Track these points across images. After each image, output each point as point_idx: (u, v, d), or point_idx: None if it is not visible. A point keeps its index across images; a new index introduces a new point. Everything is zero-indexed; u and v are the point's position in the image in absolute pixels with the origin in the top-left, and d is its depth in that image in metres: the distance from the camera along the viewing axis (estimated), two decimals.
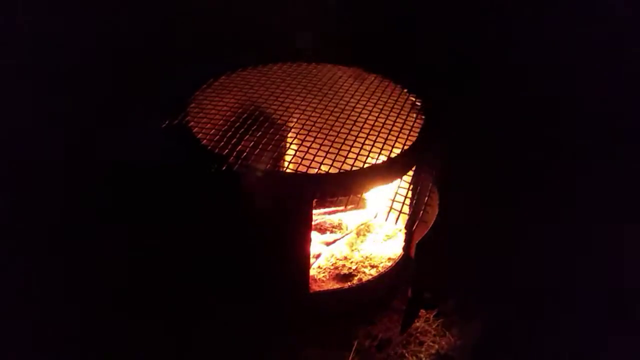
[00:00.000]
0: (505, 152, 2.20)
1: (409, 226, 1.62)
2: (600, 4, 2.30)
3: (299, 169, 1.38)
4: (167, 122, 1.53)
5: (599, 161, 2.18)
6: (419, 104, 1.68)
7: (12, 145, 2.00)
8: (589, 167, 2.15)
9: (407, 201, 1.43)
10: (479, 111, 2.23)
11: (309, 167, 1.38)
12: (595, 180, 2.09)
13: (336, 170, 1.39)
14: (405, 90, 1.75)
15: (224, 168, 1.36)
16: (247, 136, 1.48)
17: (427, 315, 1.65)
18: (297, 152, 1.43)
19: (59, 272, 1.68)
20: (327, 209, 1.91)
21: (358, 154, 1.44)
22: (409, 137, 1.53)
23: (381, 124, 1.56)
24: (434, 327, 1.62)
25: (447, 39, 2.36)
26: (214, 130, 1.49)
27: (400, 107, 1.65)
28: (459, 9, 2.37)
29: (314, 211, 1.51)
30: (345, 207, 1.91)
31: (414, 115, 1.63)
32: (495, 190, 2.05)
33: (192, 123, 1.52)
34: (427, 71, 2.14)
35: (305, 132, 1.49)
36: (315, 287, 1.61)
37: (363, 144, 1.48)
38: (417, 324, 1.62)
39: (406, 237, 1.67)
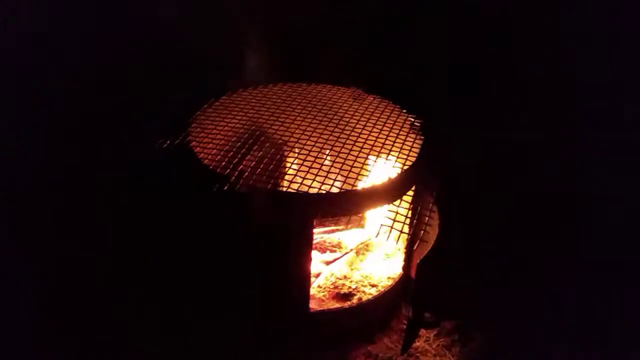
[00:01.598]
0: (506, 170, 2.21)
1: (409, 246, 1.63)
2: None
3: (299, 189, 1.39)
4: (168, 142, 1.54)
5: (601, 170, 2.19)
6: (418, 123, 1.70)
7: (12, 162, 2.02)
8: (591, 177, 2.17)
9: (408, 221, 1.44)
10: (479, 130, 2.25)
11: (309, 186, 1.39)
12: (598, 191, 2.10)
13: (337, 190, 1.40)
14: (405, 111, 1.77)
15: (225, 188, 1.37)
16: (249, 156, 1.50)
17: (428, 335, 1.65)
18: (298, 172, 1.45)
19: (58, 284, 1.69)
20: (327, 228, 1.92)
21: (358, 174, 1.45)
22: (409, 157, 1.54)
23: (381, 144, 1.58)
24: (434, 347, 1.62)
25: (447, 56, 2.38)
26: (215, 150, 1.50)
27: (399, 127, 1.67)
28: (457, 25, 2.39)
29: (314, 230, 1.51)
30: (346, 226, 1.91)
31: (414, 135, 1.65)
32: (496, 209, 2.06)
33: (193, 143, 1.53)
34: (426, 90, 2.16)
35: (306, 152, 1.50)
36: (315, 306, 1.61)
37: (363, 164, 1.49)
38: (418, 344, 1.62)
39: (406, 256, 1.68)
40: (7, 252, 1.73)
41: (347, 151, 1.52)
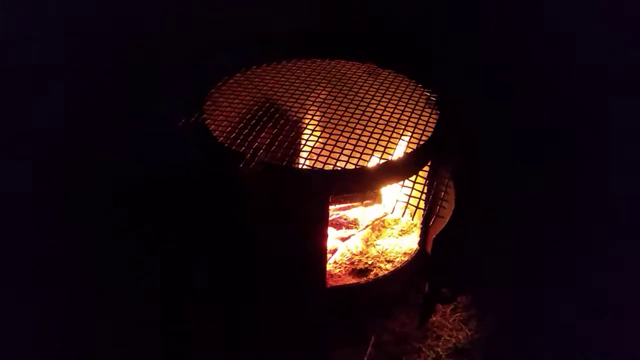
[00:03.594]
0: (522, 148, 2.19)
1: (425, 221, 1.63)
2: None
3: (315, 166, 1.39)
4: (183, 120, 1.54)
5: (605, 161, 2.16)
6: (434, 99, 1.68)
7: (30, 144, 2.03)
8: (595, 165, 2.14)
9: (423, 196, 1.43)
10: (495, 106, 2.22)
11: (325, 163, 1.39)
12: (604, 181, 2.08)
13: (352, 167, 1.39)
14: (420, 86, 1.75)
15: (241, 165, 1.37)
16: (263, 133, 1.50)
17: (444, 310, 1.66)
18: (313, 149, 1.44)
19: (67, 267, 1.71)
20: (343, 205, 1.92)
21: (374, 150, 1.45)
22: (425, 132, 1.53)
23: (396, 120, 1.57)
24: (450, 321, 1.63)
25: (464, 34, 2.34)
26: (230, 128, 1.50)
27: (415, 103, 1.65)
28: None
29: (330, 207, 1.51)
30: (361, 202, 1.91)
31: (429, 110, 1.63)
32: (513, 184, 2.04)
33: (208, 121, 1.53)
34: (442, 65, 2.13)
35: (321, 129, 1.50)
36: (331, 282, 1.62)
37: (379, 139, 1.48)
38: (434, 319, 1.63)
39: (422, 232, 1.67)
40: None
41: (362, 127, 1.51)
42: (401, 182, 1.50)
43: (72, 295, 1.63)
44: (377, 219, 1.86)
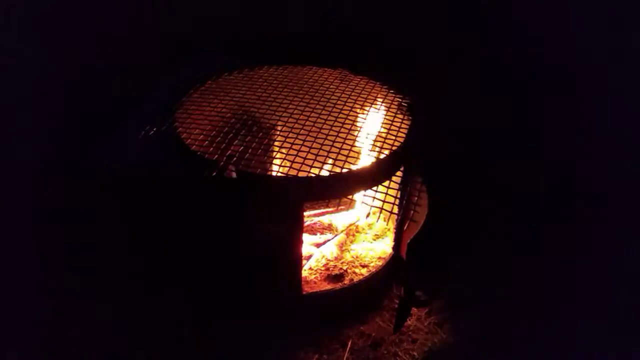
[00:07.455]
0: (496, 151, 2.21)
1: (399, 226, 1.64)
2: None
3: (289, 173, 1.38)
4: (154, 129, 1.52)
5: (595, 160, 2.20)
6: (405, 104, 1.70)
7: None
8: (585, 164, 2.17)
9: (397, 201, 1.44)
10: (467, 109, 2.24)
11: (299, 170, 1.39)
12: (593, 178, 2.11)
13: (326, 173, 1.40)
14: (392, 91, 1.76)
15: (214, 173, 1.36)
16: (236, 141, 1.49)
17: (419, 314, 1.67)
18: (287, 156, 1.44)
19: (52, 279, 1.68)
20: (317, 211, 1.92)
21: (347, 156, 1.45)
22: (397, 138, 1.54)
23: (369, 125, 1.58)
24: (426, 325, 1.64)
25: (436, 38, 2.36)
26: (202, 136, 1.49)
27: (387, 108, 1.67)
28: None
29: (305, 213, 1.51)
30: (336, 208, 1.92)
31: (402, 115, 1.65)
32: (486, 188, 2.06)
33: (180, 129, 1.52)
34: (414, 71, 2.15)
35: (294, 136, 1.49)
36: (307, 289, 1.62)
37: (352, 145, 1.49)
38: (410, 323, 1.64)
39: (396, 236, 1.69)
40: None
41: (336, 133, 1.51)
42: (375, 188, 1.50)
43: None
44: (351, 224, 1.86)
